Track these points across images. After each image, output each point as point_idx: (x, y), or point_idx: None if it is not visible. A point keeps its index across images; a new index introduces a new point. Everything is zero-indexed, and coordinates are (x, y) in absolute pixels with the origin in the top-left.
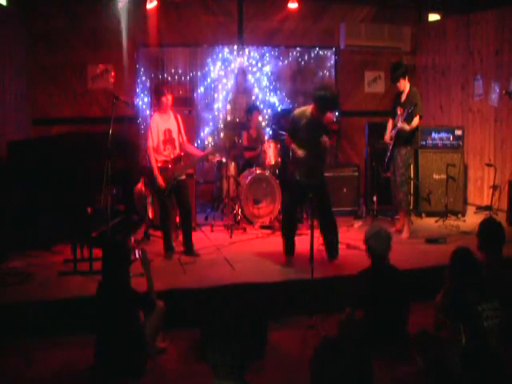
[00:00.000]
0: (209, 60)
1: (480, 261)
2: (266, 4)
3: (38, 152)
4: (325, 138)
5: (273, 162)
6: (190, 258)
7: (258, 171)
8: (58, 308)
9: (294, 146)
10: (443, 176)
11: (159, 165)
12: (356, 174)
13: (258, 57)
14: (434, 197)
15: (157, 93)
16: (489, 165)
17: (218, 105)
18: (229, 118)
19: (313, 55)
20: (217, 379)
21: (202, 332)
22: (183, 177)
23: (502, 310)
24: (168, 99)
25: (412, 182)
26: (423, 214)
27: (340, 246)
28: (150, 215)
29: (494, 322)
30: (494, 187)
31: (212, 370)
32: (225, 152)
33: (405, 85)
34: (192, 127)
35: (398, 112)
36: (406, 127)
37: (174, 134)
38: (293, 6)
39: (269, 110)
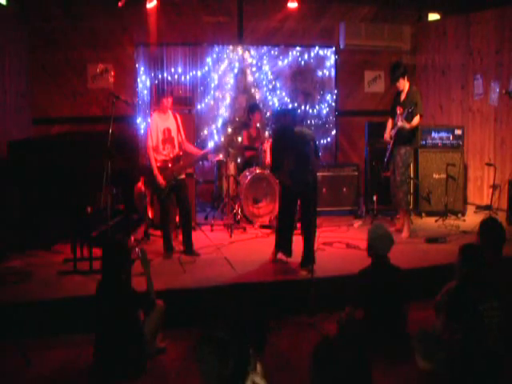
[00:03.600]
0: (209, 59)
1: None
2: (266, 3)
3: (38, 152)
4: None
5: None
6: (190, 258)
7: (257, 170)
8: (57, 308)
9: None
10: (443, 175)
11: (159, 164)
12: (356, 173)
13: (257, 56)
14: (434, 196)
15: (158, 93)
16: (489, 164)
17: (217, 104)
18: (229, 118)
19: (313, 54)
20: None
21: (202, 330)
22: (183, 176)
23: (501, 310)
24: (168, 101)
25: (412, 182)
26: (423, 214)
27: (340, 245)
28: (150, 215)
29: (493, 322)
30: (494, 187)
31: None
32: (225, 151)
33: (404, 84)
34: (192, 126)
35: (398, 111)
36: (406, 126)
37: (173, 133)
38: (293, 5)
39: (269, 110)
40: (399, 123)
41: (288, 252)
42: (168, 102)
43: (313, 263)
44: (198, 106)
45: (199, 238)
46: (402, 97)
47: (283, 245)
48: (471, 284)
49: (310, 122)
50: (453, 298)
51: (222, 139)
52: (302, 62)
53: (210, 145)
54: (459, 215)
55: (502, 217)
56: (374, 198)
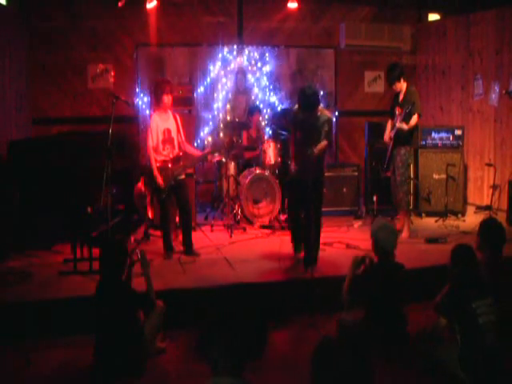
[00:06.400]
0: (209, 60)
1: (478, 258)
2: (266, 4)
3: (38, 152)
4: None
5: (273, 162)
6: (190, 258)
7: (257, 171)
8: (57, 308)
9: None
10: (443, 176)
11: (158, 164)
12: (356, 173)
13: (257, 56)
14: (434, 196)
15: (158, 91)
16: (489, 164)
17: (217, 104)
18: (228, 118)
19: (313, 55)
20: (215, 376)
21: (201, 330)
22: (183, 176)
23: (496, 306)
24: (169, 99)
25: (412, 182)
26: (423, 214)
27: (340, 245)
28: (150, 215)
29: (489, 319)
30: (494, 187)
31: (211, 367)
32: (224, 152)
33: (401, 85)
34: (192, 127)
35: (397, 112)
36: (404, 126)
37: (173, 134)
38: (293, 5)
39: (268, 110)
40: (397, 124)
41: (299, 249)
42: (168, 99)
43: (314, 263)
44: (198, 107)
45: (199, 238)
46: (401, 97)
47: (297, 244)
48: (463, 284)
49: None
50: (446, 299)
51: (222, 140)
52: (302, 63)
53: (211, 145)
54: (459, 215)
55: (501, 217)
56: (374, 198)
